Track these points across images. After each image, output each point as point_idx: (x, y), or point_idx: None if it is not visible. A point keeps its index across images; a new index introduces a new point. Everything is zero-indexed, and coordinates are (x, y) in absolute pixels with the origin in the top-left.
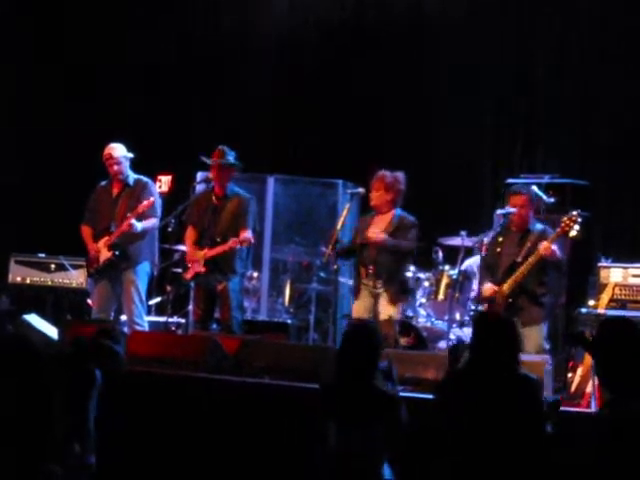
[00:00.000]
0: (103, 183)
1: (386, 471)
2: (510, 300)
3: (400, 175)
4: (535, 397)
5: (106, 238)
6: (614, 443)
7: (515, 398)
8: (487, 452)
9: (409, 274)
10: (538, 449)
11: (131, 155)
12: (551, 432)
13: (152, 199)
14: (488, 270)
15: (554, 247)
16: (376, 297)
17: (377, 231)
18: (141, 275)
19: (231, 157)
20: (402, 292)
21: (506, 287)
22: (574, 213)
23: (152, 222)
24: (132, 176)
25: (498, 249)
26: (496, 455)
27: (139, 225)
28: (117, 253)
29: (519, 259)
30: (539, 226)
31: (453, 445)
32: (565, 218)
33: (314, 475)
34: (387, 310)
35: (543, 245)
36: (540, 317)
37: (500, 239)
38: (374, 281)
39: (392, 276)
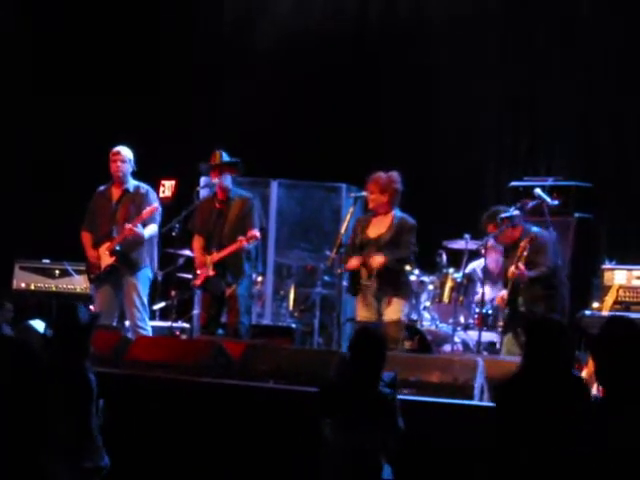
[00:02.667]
0: (101, 188)
1: (386, 471)
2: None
3: (395, 175)
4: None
5: (107, 244)
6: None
7: (571, 401)
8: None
9: (413, 277)
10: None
11: (134, 167)
12: None
13: (155, 205)
14: (501, 277)
15: (521, 267)
16: (379, 299)
17: (374, 257)
18: (142, 280)
19: (227, 158)
20: (404, 291)
21: (505, 296)
22: (528, 237)
23: (153, 229)
24: (132, 182)
25: (507, 259)
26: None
27: (144, 231)
28: (119, 259)
29: (509, 275)
30: (532, 231)
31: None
32: (521, 244)
33: (317, 476)
34: (391, 312)
35: (510, 270)
36: None
37: (506, 257)
38: (374, 282)
39: (393, 276)
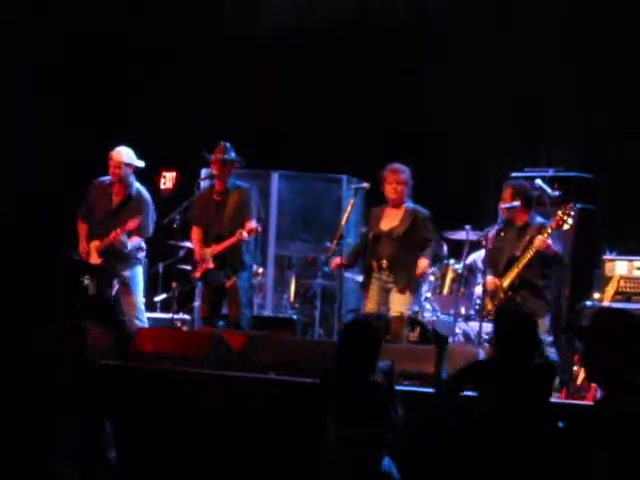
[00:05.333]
0: (104, 181)
1: (386, 463)
2: (510, 293)
3: (409, 169)
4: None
5: (97, 242)
6: (606, 442)
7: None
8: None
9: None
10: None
11: (140, 164)
12: (562, 427)
13: (138, 221)
14: (491, 264)
15: (549, 241)
16: (388, 291)
17: (420, 263)
18: (135, 272)
19: (233, 153)
20: (414, 284)
21: (505, 281)
22: (567, 206)
23: (138, 241)
24: (135, 186)
25: (500, 243)
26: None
27: (128, 243)
28: (106, 260)
29: (517, 253)
30: (539, 220)
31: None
32: (559, 211)
33: (316, 467)
34: (398, 305)
35: (538, 239)
36: (541, 310)
37: (502, 233)
38: (387, 275)
39: (405, 269)
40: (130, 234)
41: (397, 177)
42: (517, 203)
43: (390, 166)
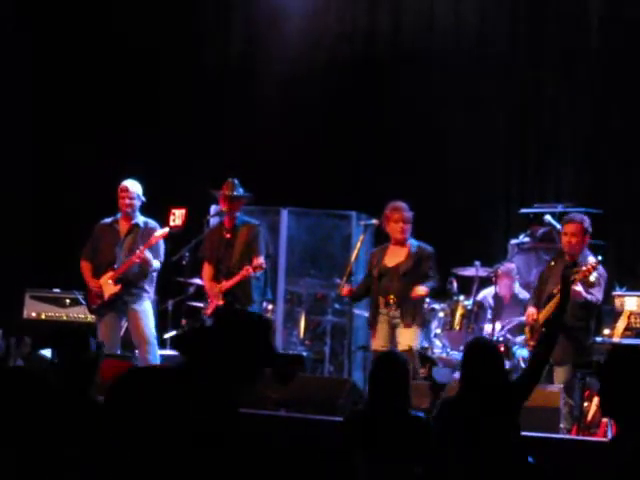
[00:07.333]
0: (107, 220)
1: None
2: (544, 330)
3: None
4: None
5: (111, 273)
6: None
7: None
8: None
9: (425, 305)
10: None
11: (144, 199)
12: (534, 463)
13: (166, 231)
14: (535, 294)
15: (578, 288)
16: (394, 327)
17: (418, 288)
18: (147, 309)
19: (241, 189)
20: (420, 320)
21: (542, 317)
22: (595, 260)
23: (157, 264)
24: (141, 218)
25: (548, 274)
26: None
27: (150, 257)
28: (124, 287)
29: (555, 291)
30: (590, 259)
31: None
32: (588, 264)
33: None
34: (406, 340)
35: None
36: (567, 356)
37: (553, 263)
38: (394, 310)
39: (412, 304)
40: (151, 252)
41: (402, 216)
42: (527, 239)
43: (393, 204)
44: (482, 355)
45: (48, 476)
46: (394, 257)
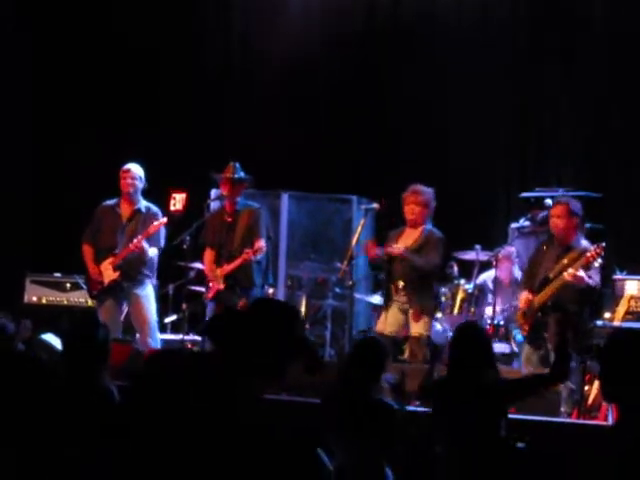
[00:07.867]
0: (109, 202)
1: (388, 476)
2: (540, 315)
3: (432, 191)
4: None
5: (111, 259)
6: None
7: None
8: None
9: (433, 291)
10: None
11: (145, 183)
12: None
13: (164, 221)
14: (527, 277)
15: (581, 274)
16: (405, 313)
17: (395, 245)
18: (149, 293)
19: (242, 172)
20: (429, 307)
21: (537, 301)
22: (599, 246)
23: (154, 252)
24: (143, 203)
25: (540, 257)
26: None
27: (149, 249)
28: (123, 274)
29: (551, 275)
30: (583, 243)
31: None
32: (592, 249)
33: None
34: (416, 327)
35: (568, 272)
36: (571, 340)
37: (544, 247)
38: (403, 295)
39: (421, 290)
40: (150, 244)
41: (415, 198)
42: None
43: (411, 187)
44: (469, 338)
45: (64, 466)
46: (404, 240)
